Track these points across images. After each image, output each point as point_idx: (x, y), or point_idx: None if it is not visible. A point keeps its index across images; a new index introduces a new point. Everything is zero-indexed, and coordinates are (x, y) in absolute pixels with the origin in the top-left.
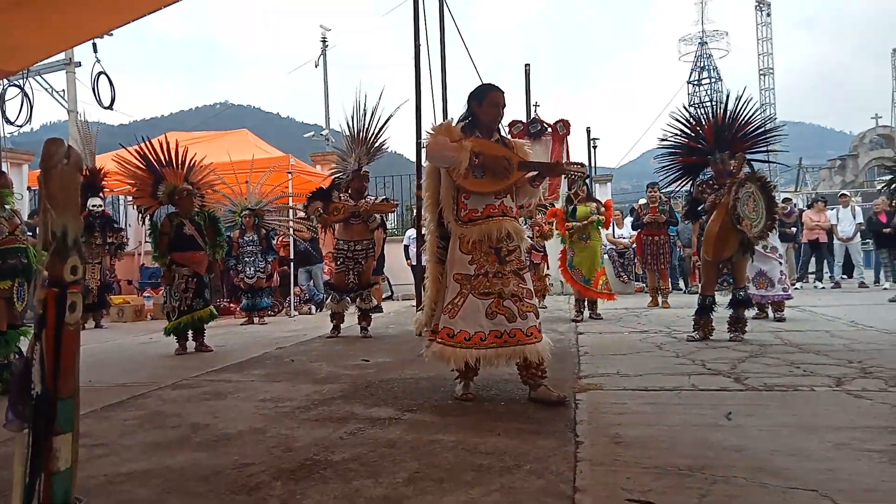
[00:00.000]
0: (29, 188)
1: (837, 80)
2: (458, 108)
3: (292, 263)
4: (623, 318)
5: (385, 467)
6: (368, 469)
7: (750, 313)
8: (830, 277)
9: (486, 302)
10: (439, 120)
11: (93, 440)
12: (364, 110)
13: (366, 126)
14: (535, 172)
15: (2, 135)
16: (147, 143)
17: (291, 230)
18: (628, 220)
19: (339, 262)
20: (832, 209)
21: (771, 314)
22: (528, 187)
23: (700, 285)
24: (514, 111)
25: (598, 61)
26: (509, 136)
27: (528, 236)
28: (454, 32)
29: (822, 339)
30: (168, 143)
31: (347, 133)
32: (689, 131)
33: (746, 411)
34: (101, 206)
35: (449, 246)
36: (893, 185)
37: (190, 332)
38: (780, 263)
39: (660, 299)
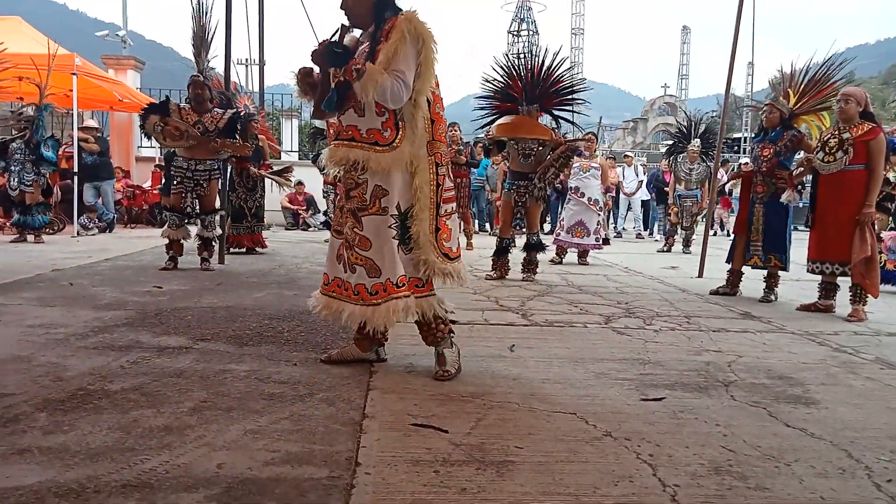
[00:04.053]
0: None
1: (638, 47)
2: (277, 29)
3: (75, 178)
4: None
5: (169, 397)
6: (150, 399)
7: (545, 256)
8: (614, 228)
9: (338, 242)
10: (254, 37)
11: None
12: (201, 9)
13: (206, 27)
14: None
15: None
16: None
17: (76, 140)
18: None
19: (176, 182)
20: (620, 166)
21: (576, 259)
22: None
23: (499, 228)
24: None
25: None
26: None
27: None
28: None
29: (600, 282)
30: None
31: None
32: (506, 79)
33: (527, 344)
34: None
35: None
36: (672, 150)
37: None
38: (599, 215)
39: (464, 240)
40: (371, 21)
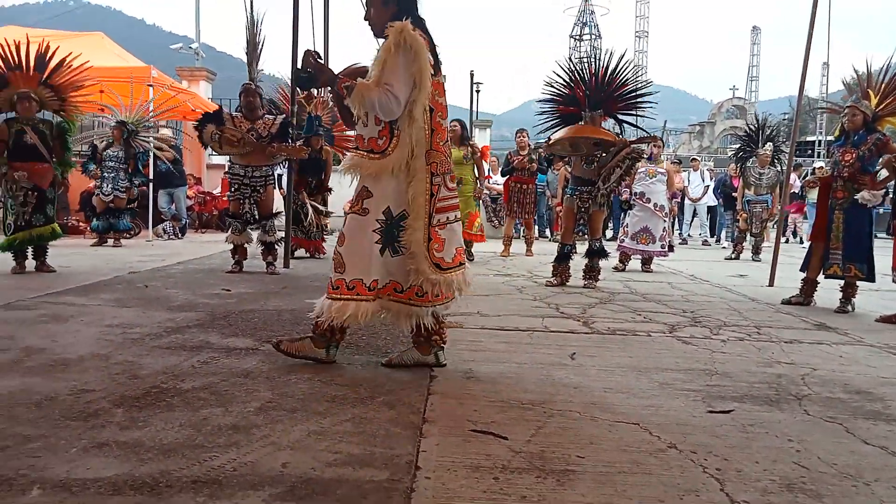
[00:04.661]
0: None
1: (704, 49)
2: (340, 40)
3: (151, 184)
4: (490, 262)
5: (237, 397)
6: (219, 398)
7: (607, 263)
8: (679, 234)
9: None
10: (318, 45)
11: None
12: (254, 20)
13: (257, 37)
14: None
15: None
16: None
17: (152, 148)
18: None
19: (233, 189)
20: (685, 171)
21: (639, 266)
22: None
23: (560, 234)
24: None
25: (486, 6)
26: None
27: None
28: None
29: (664, 289)
30: (19, 45)
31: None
32: (569, 82)
33: (589, 352)
34: None
35: None
36: (741, 154)
37: (30, 251)
38: (664, 221)
39: (514, 247)
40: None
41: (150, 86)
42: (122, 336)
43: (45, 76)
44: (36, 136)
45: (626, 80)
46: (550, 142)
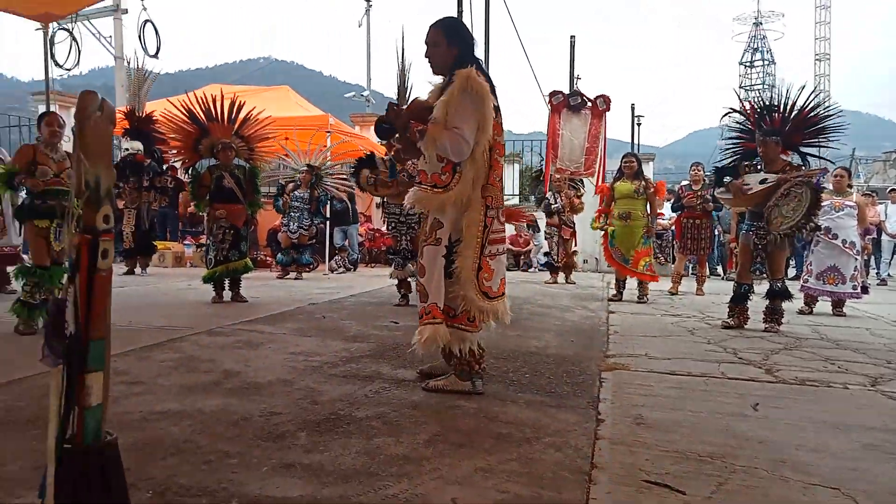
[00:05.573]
0: None
1: None
2: (499, 77)
3: (328, 222)
4: (657, 301)
5: (406, 427)
6: (390, 428)
7: (791, 306)
8: (877, 274)
9: None
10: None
11: (131, 378)
12: (403, 69)
13: (405, 85)
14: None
15: (50, 77)
16: (197, 98)
17: (335, 192)
18: (668, 202)
19: (391, 227)
20: (882, 204)
21: (830, 308)
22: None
23: (736, 272)
24: (558, 83)
25: (645, 36)
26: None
27: (557, 209)
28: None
29: (862, 336)
30: (216, 99)
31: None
32: (756, 117)
33: (774, 403)
34: (138, 150)
35: None
36: None
37: (227, 282)
38: (856, 259)
39: (682, 285)
40: (448, 72)
41: (329, 132)
42: (304, 363)
43: (236, 127)
44: (232, 180)
45: (815, 112)
46: (719, 194)
